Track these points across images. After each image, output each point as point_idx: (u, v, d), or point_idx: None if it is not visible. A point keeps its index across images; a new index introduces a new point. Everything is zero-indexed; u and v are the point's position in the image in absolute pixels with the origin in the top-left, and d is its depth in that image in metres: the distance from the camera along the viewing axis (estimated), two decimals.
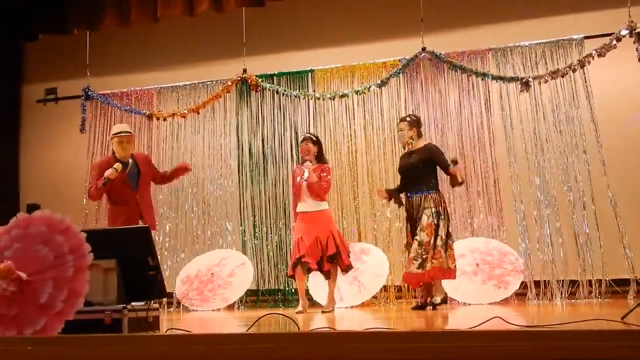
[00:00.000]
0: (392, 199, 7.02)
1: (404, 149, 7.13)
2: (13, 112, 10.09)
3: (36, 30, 9.50)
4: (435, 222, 6.60)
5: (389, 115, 8.55)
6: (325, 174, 6.88)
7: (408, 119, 7.09)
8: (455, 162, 6.67)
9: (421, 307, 6.67)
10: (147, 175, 6.59)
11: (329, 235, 6.75)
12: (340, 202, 8.53)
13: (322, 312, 6.72)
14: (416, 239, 6.57)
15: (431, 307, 6.56)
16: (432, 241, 6.53)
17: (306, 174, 6.78)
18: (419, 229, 6.60)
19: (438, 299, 6.60)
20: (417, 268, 6.47)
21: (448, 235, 6.66)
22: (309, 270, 6.84)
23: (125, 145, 6.42)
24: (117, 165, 6.16)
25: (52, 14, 9.22)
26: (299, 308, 6.82)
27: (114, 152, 6.47)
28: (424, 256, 6.48)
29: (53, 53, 9.92)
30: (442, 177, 7.01)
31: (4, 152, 9.91)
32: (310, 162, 6.88)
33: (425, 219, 6.58)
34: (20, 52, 10.23)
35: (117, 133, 6.46)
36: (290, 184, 7.46)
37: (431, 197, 6.69)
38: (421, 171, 6.77)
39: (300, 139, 7.58)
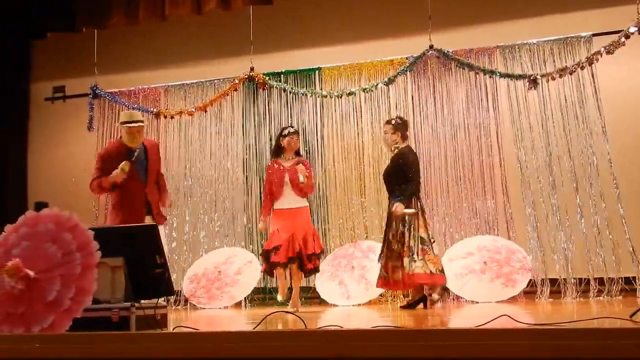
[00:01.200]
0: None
1: (390, 152, 7.13)
2: (21, 111, 10.11)
3: (44, 29, 9.53)
4: (401, 230, 6.63)
5: (396, 113, 8.53)
6: (308, 171, 6.87)
7: (393, 122, 7.06)
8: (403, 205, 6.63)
9: (409, 306, 6.69)
10: (155, 166, 6.29)
11: (313, 233, 6.77)
12: (347, 200, 8.52)
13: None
14: (391, 247, 6.63)
15: (423, 305, 6.59)
16: (402, 249, 6.57)
17: (302, 179, 6.69)
18: (390, 236, 6.68)
19: (436, 296, 6.58)
20: (393, 274, 6.53)
21: (421, 241, 6.58)
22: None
23: (135, 136, 6.13)
24: (125, 165, 5.84)
25: (60, 12, 9.24)
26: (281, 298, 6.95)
27: (120, 141, 6.21)
28: (397, 264, 6.52)
29: (61, 51, 9.94)
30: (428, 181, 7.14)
31: (12, 150, 9.94)
32: (292, 157, 6.90)
33: (394, 227, 6.66)
34: (29, 51, 10.25)
35: (126, 122, 6.13)
36: (265, 179, 7.19)
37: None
38: (392, 176, 6.76)
39: (286, 131, 7.07)
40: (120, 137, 6.22)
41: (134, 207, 6.03)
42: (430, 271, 6.49)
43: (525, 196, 7.91)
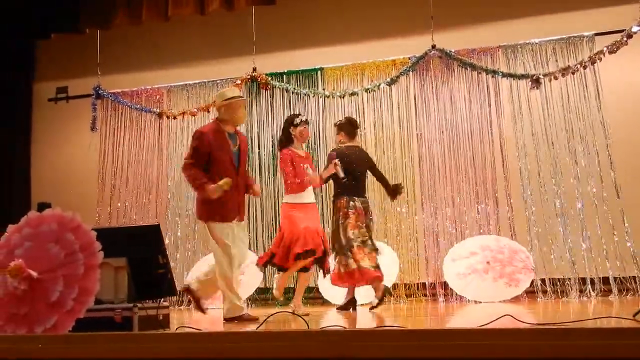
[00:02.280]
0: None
1: None
2: (24, 111, 10.13)
3: (48, 29, 9.53)
4: (334, 228, 6.71)
5: (398, 113, 8.54)
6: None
7: (337, 123, 7.06)
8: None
9: (343, 307, 6.71)
10: (245, 155, 5.81)
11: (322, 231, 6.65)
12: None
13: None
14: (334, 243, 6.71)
15: (352, 308, 6.64)
16: (334, 246, 6.65)
17: (342, 174, 6.49)
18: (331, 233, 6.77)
19: (375, 301, 6.45)
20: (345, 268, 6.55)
21: (347, 240, 6.56)
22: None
23: (244, 112, 5.79)
24: (227, 184, 5.30)
25: (63, 13, 9.25)
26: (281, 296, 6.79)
27: (218, 124, 5.62)
28: (343, 259, 6.55)
29: (64, 52, 9.95)
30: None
31: (15, 151, 9.96)
32: (301, 148, 6.73)
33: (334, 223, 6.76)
34: (32, 51, 10.27)
35: (233, 97, 5.65)
36: (286, 163, 6.50)
37: (333, 203, 6.84)
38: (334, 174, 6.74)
39: (298, 120, 6.62)
40: (218, 118, 5.69)
41: (228, 196, 5.47)
42: (355, 268, 6.46)
43: (528, 195, 7.91)
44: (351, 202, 6.66)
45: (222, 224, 5.42)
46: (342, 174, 6.44)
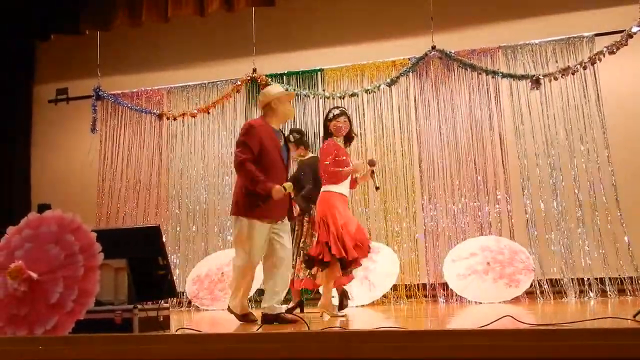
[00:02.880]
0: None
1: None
2: (24, 112, 10.13)
3: (48, 31, 9.54)
4: (296, 234, 6.81)
5: (398, 114, 8.54)
6: None
7: (292, 138, 6.87)
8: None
9: (290, 309, 6.71)
10: (289, 155, 5.69)
11: None
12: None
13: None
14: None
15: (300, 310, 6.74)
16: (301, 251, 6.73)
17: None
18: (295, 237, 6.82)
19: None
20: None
21: (305, 246, 6.68)
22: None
23: (291, 107, 5.73)
24: (289, 187, 5.20)
25: (64, 14, 9.26)
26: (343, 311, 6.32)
27: (264, 120, 5.46)
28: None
29: (64, 53, 9.96)
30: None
31: (15, 152, 9.96)
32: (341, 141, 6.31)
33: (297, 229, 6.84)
34: (32, 52, 10.28)
35: (282, 92, 5.59)
36: (332, 155, 5.99)
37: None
38: (296, 182, 6.68)
39: (331, 114, 6.18)
40: (263, 116, 5.53)
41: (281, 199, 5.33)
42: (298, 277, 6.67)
43: (527, 196, 7.92)
44: (310, 212, 6.79)
45: (263, 224, 5.24)
46: (377, 184, 6.19)
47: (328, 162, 5.90)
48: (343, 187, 5.96)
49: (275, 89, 5.66)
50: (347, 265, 5.72)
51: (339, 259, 5.65)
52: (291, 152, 6.64)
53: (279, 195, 5.10)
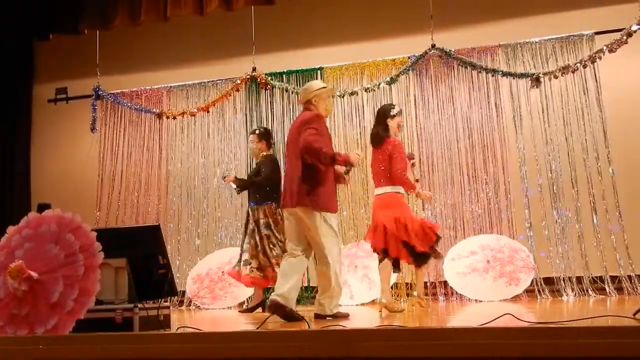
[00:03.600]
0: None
1: (256, 159, 7.35)
2: (24, 112, 10.13)
3: (47, 30, 9.54)
4: (266, 232, 6.95)
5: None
6: None
7: (257, 131, 7.34)
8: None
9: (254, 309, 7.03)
10: None
11: None
12: (350, 200, 8.52)
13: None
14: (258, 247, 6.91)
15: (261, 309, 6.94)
16: (265, 250, 6.90)
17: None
18: (258, 238, 6.91)
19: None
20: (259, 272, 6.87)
21: (283, 243, 6.79)
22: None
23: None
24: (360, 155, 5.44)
25: (63, 14, 9.26)
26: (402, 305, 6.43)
27: (313, 110, 5.54)
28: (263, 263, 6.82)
29: (63, 53, 9.95)
30: None
31: (15, 152, 9.96)
32: None
33: (262, 229, 6.97)
34: (31, 52, 10.27)
35: (323, 87, 5.65)
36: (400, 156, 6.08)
37: (256, 207, 7.06)
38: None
39: (394, 111, 6.27)
40: (313, 111, 5.54)
41: (335, 188, 5.58)
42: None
43: (527, 194, 7.92)
44: (278, 209, 6.96)
45: (334, 214, 5.41)
46: (417, 177, 6.27)
47: (400, 166, 6.00)
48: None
49: (315, 85, 5.71)
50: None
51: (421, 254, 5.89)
52: (253, 143, 7.22)
53: (355, 163, 5.38)
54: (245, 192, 7.58)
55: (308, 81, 8.83)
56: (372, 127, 6.48)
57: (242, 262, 7.12)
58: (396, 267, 6.10)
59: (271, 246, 6.96)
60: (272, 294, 5.21)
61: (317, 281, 5.61)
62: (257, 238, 7.01)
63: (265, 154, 7.31)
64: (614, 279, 7.46)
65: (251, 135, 7.42)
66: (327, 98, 5.64)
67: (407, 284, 8.11)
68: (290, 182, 5.39)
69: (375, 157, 6.17)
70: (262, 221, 7.04)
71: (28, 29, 9.57)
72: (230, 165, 9.04)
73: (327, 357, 2.54)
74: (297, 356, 2.58)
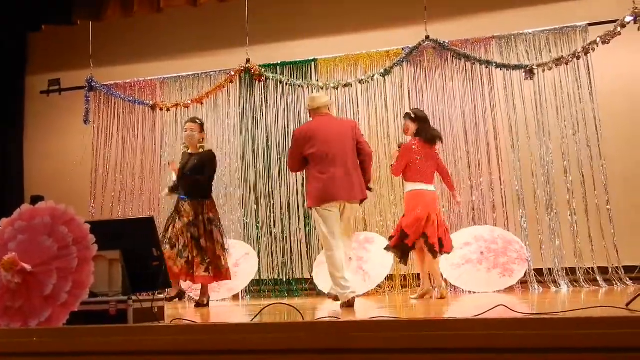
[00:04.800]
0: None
1: (189, 150, 7.05)
2: (16, 104, 10.09)
3: (39, 21, 9.49)
4: (213, 228, 6.81)
5: (392, 105, 8.54)
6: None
7: (198, 121, 7.17)
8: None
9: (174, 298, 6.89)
10: None
11: None
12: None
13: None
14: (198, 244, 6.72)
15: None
16: (210, 246, 6.76)
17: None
18: (198, 234, 6.73)
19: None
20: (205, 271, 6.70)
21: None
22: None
23: None
24: None
25: (55, 4, 9.21)
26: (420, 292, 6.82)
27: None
28: (207, 260, 6.69)
29: (56, 44, 9.92)
30: None
31: (7, 144, 9.93)
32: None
33: (207, 225, 6.80)
34: (24, 43, 10.23)
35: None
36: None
37: (202, 201, 6.83)
38: (194, 173, 6.82)
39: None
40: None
41: None
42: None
43: (520, 185, 7.94)
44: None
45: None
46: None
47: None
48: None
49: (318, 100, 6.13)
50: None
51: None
52: (195, 132, 6.98)
53: None
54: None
55: (302, 73, 8.88)
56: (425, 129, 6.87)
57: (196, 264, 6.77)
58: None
59: (220, 240, 6.82)
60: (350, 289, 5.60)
61: None
62: (200, 233, 6.77)
63: (205, 147, 7.09)
64: (603, 269, 7.51)
65: (191, 124, 7.08)
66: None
67: (400, 275, 8.13)
68: (356, 175, 5.88)
69: (432, 155, 6.83)
70: (207, 216, 6.83)
71: (20, 20, 9.52)
72: (223, 155, 9.02)
73: (322, 349, 2.55)
74: (292, 347, 2.58)
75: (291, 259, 8.62)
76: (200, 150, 7.00)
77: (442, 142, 7.29)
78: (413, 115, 6.87)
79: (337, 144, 5.81)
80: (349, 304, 5.51)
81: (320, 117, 6.00)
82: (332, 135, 5.83)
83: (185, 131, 7.08)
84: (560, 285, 7.50)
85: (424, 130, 6.79)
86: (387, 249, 6.92)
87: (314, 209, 5.80)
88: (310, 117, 6.19)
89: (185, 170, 6.86)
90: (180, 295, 6.85)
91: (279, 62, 9.00)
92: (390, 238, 6.84)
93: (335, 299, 5.92)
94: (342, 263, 5.64)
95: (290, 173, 8.52)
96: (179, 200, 6.90)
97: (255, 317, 4.13)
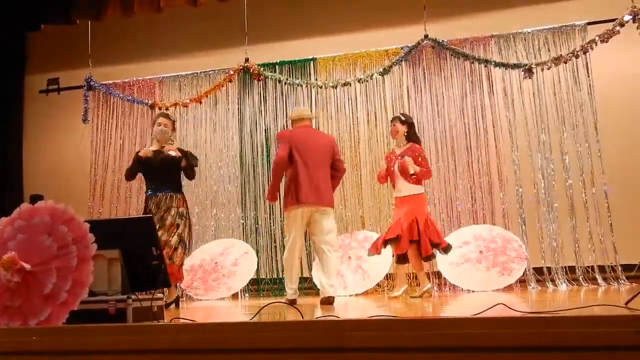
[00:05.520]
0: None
1: (162, 146, 6.79)
2: (15, 103, 10.09)
3: (39, 21, 9.49)
4: (187, 223, 6.76)
5: (391, 104, 8.54)
6: (420, 158, 6.87)
7: (172, 118, 7.03)
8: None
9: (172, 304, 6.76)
10: None
11: (415, 220, 6.75)
12: (343, 191, 8.52)
13: (412, 296, 6.79)
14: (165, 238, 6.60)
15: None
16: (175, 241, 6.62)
17: (411, 170, 6.74)
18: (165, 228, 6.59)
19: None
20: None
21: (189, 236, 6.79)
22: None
23: None
24: None
25: (55, 4, 9.21)
26: (398, 292, 6.95)
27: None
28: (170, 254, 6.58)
29: (55, 43, 9.91)
30: None
31: (7, 143, 9.92)
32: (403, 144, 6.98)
33: (176, 218, 6.66)
34: (23, 43, 10.22)
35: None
36: (382, 168, 7.10)
37: (176, 195, 6.73)
38: (172, 169, 6.71)
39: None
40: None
41: None
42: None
43: (519, 184, 7.94)
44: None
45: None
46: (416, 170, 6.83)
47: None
48: (396, 192, 7.05)
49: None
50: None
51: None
52: (168, 128, 6.76)
53: None
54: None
55: (301, 72, 8.88)
56: (414, 133, 7.14)
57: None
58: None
59: (184, 237, 6.69)
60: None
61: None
62: (179, 227, 6.67)
63: (175, 143, 6.88)
64: (601, 268, 7.52)
65: (165, 119, 6.83)
66: None
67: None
68: (323, 183, 6.31)
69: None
70: (181, 209, 6.71)
71: (20, 20, 9.51)
72: (222, 155, 9.02)
73: (321, 347, 2.55)
74: (291, 346, 2.58)
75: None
76: (170, 148, 6.70)
77: None
78: (403, 118, 7.00)
79: (316, 154, 6.30)
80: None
81: (303, 128, 6.43)
82: (312, 145, 6.31)
83: (159, 125, 6.75)
84: (559, 284, 7.50)
85: (414, 134, 7.03)
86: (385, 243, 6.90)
87: (285, 211, 6.31)
88: (292, 127, 6.58)
89: (162, 163, 6.66)
90: (177, 301, 6.78)
91: (278, 61, 9.00)
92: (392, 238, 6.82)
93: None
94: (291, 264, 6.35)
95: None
96: (149, 197, 6.75)
97: (255, 316, 4.13)
